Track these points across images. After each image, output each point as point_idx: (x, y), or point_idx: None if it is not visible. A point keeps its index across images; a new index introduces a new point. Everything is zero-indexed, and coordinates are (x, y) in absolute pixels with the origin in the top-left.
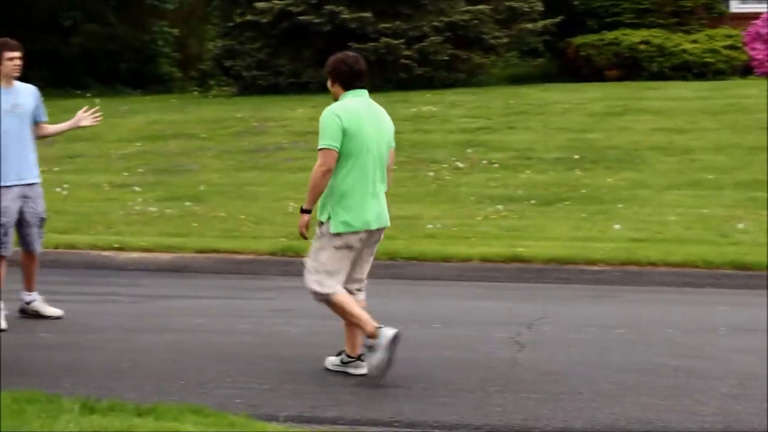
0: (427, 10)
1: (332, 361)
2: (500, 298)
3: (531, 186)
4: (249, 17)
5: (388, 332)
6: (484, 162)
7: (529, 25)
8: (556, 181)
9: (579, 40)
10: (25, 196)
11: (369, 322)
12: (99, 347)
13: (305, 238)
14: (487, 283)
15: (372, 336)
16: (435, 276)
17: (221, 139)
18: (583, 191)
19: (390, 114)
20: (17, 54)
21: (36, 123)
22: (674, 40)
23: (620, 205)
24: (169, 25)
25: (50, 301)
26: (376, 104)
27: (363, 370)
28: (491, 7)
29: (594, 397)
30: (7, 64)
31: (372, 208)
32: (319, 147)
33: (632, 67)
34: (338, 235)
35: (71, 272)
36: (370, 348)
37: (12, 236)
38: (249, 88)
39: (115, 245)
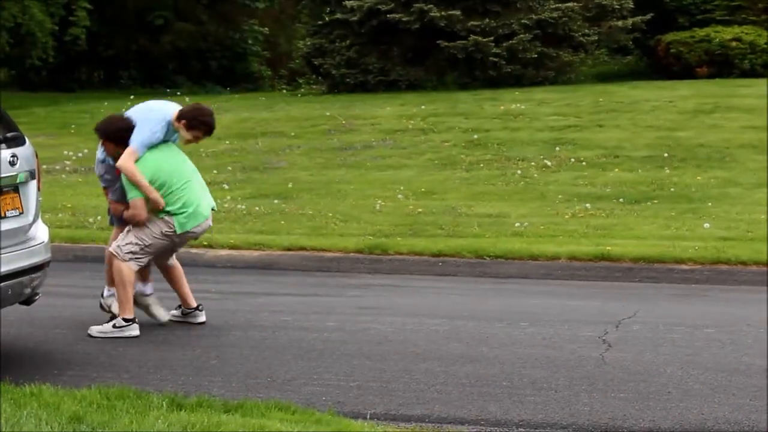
0: (517, 8)
1: (174, 312)
2: (588, 296)
3: (619, 184)
4: (338, 15)
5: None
6: (572, 160)
7: (619, 23)
8: (645, 179)
9: (669, 37)
10: None
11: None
12: (187, 344)
13: None
14: (574, 281)
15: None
16: (522, 274)
17: (310, 137)
18: (672, 189)
19: (478, 112)
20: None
21: None
22: (766, 37)
23: (710, 204)
24: (259, 24)
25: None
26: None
27: (202, 319)
28: (581, 4)
29: (683, 397)
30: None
31: None
32: None
33: (723, 65)
34: None
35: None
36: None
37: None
38: (338, 87)
39: (204, 243)
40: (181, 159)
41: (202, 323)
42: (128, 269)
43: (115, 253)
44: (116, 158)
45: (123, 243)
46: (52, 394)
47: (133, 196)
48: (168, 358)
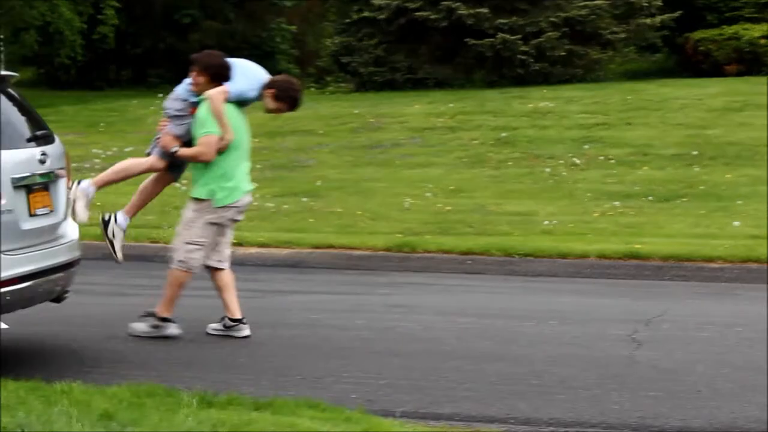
0: (544, 6)
1: (215, 326)
2: (617, 295)
3: (648, 182)
4: (366, 14)
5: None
6: (601, 158)
7: (647, 20)
8: (674, 177)
9: (698, 34)
10: None
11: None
12: (217, 342)
13: None
14: (604, 280)
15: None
16: (551, 273)
17: (338, 136)
18: (702, 188)
19: (506, 110)
20: None
21: None
22: None
23: (739, 202)
24: (287, 22)
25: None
26: None
27: (246, 332)
28: (609, 2)
29: (713, 396)
30: None
31: None
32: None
33: (752, 62)
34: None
35: None
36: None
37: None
38: (366, 85)
39: (233, 240)
40: (245, 134)
41: (247, 337)
42: (181, 276)
43: (180, 268)
44: (198, 94)
45: (178, 256)
46: (83, 391)
47: (207, 132)
48: (198, 355)
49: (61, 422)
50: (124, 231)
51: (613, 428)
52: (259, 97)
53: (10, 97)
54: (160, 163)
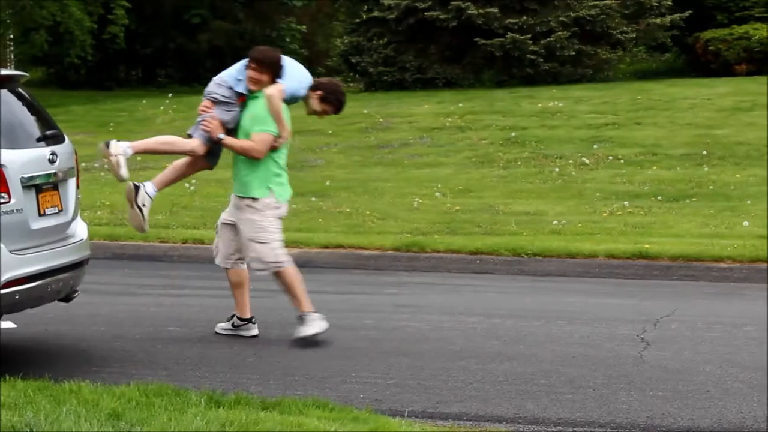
0: (554, 6)
1: (223, 326)
2: (626, 295)
3: (657, 182)
4: (376, 14)
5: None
6: (610, 158)
7: (657, 20)
8: (683, 177)
9: (708, 34)
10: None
11: None
12: (225, 341)
13: None
14: (612, 279)
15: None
16: (560, 272)
17: (347, 135)
18: (711, 187)
19: (515, 109)
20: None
21: None
22: None
23: (748, 202)
24: (297, 22)
25: (177, 296)
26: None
27: (254, 332)
28: (619, 1)
29: (722, 396)
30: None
31: None
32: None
33: (762, 62)
34: None
35: (198, 267)
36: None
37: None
38: (375, 84)
39: None
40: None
41: (255, 336)
42: (288, 271)
43: (275, 270)
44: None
45: (268, 259)
46: (91, 391)
47: (264, 129)
48: (206, 355)
49: (69, 422)
50: (151, 201)
51: (621, 428)
52: (305, 98)
53: (20, 97)
54: (202, 148)
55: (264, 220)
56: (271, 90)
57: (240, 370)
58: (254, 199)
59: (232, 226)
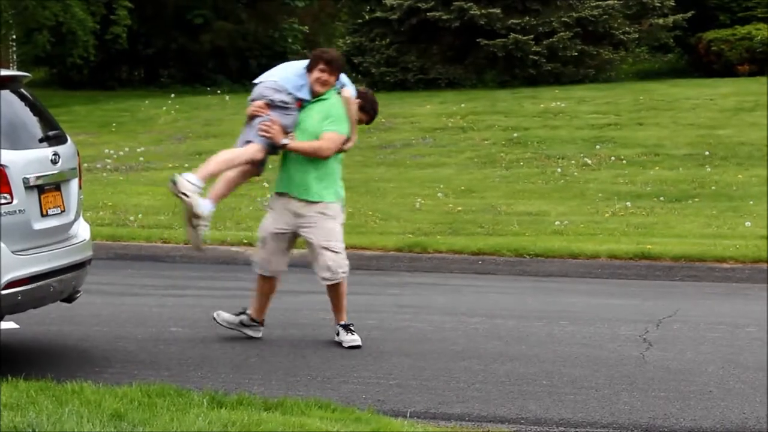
0: (557, 6)
1: (227, 318)
2: (628, 295)
3: (660, 182)
4: (378, 14)
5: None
6: (612, 158)
7: (660, 21)
8: (686, 177)
9: (710, 35)
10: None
11: None
12: (227, 342)
13: None
14: (614, 280)
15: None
16: (562, 273)
17: None
18: (713, 188)
19: (517, 110)
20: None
21: None
22: None
23: (751, 202)
24: (299, 22)
25: (179, 296)
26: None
27: (258, 335)
28: (621, 2)
29: (724, 396)
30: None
31: None
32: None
33: (764, 62)
34: None
35: (200, 267)
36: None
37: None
38: (377, 85)
39: (245, 241)
40: None
41: (257, 338)
42: (344, 282)
43: (340, 280)
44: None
45: (340, 269)
46: (94, 391)
47: (337, 130)
48: (208, 355)
49: (71, 422)
50: (210, 217)
51: (623, 429)
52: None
53: (23, 98)
54: (261, 153)
55: (337, 226)
56: (349, 95)
57: (242, 370)
58: (327, 204)
59: (283, 235)
